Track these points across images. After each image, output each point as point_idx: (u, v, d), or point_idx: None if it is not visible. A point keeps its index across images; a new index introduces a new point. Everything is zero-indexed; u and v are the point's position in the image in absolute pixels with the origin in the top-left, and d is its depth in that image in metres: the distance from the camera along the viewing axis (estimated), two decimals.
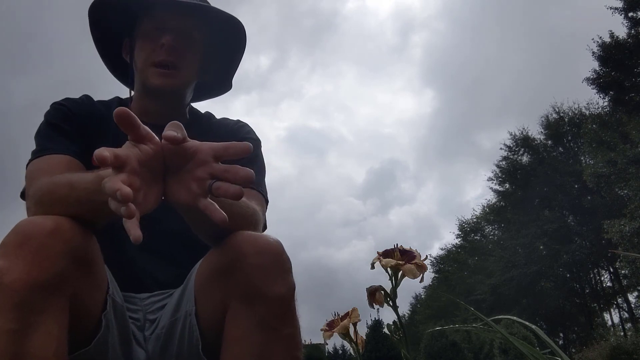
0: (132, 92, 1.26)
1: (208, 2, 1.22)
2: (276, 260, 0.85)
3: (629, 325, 23.99)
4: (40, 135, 1.09)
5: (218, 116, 1.32)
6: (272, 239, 0.88)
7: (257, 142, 1.24)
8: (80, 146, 1.09)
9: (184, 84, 1.18)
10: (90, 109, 1.17)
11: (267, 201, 1.13)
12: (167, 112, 1.19)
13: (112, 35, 1.24)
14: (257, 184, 1.12)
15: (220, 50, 1.25)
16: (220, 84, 1.35)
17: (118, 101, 1.24)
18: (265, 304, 0.82)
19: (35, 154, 1.05)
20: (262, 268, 0.83)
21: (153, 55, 1.14)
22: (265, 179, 1.21)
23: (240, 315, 0.83)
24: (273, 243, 0.87)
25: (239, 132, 1.24)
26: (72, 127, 1.11)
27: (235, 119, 1.30)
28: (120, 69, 1.29)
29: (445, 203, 70.70)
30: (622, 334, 20.22)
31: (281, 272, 0.84)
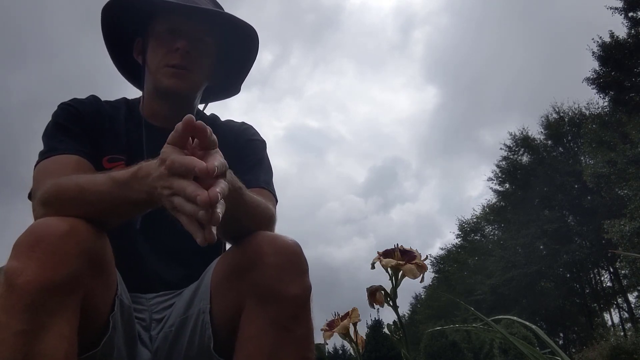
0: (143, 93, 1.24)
1: (221, 7, 1.22)
2: (293, 261, 0.86)
3: (629, 325, 23.98)
4: (48, 136, 1.08)
5: (217, 116, 1.32)
6: (291, 240, 0.89)
7: (262, 144, 1.25)
8: (88, 146, 1.08)
9: (194, 88, 1.18)
10: (97, 109, 1.16)
11: (277, 201, 1.14)
12: (176, 116, 1.19)
13: (123, 34, 1.23)
14: (266, 184, 1.14)
15: (232, 55, 1.25)
16: (229, 89, 1.35)
17: (125, 102, 1.24)
18: (280, 303, 0.83)
19: (43, 155, 1.05)
20: (280, 268, 0.84)
21: (167, 58, 1.13)
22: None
23: (255, 314, 0.84)
24: (291, 244, 0.88)
25: (245, 134, 1.24)
26: (79, 128, 1.10)
27: (239, 121, 1.30)
28: (129, 68, 1.28)
29: (447, 201, 70.62)
30: (622, 334, 20.19)
31: (298, 272, 0.86)
